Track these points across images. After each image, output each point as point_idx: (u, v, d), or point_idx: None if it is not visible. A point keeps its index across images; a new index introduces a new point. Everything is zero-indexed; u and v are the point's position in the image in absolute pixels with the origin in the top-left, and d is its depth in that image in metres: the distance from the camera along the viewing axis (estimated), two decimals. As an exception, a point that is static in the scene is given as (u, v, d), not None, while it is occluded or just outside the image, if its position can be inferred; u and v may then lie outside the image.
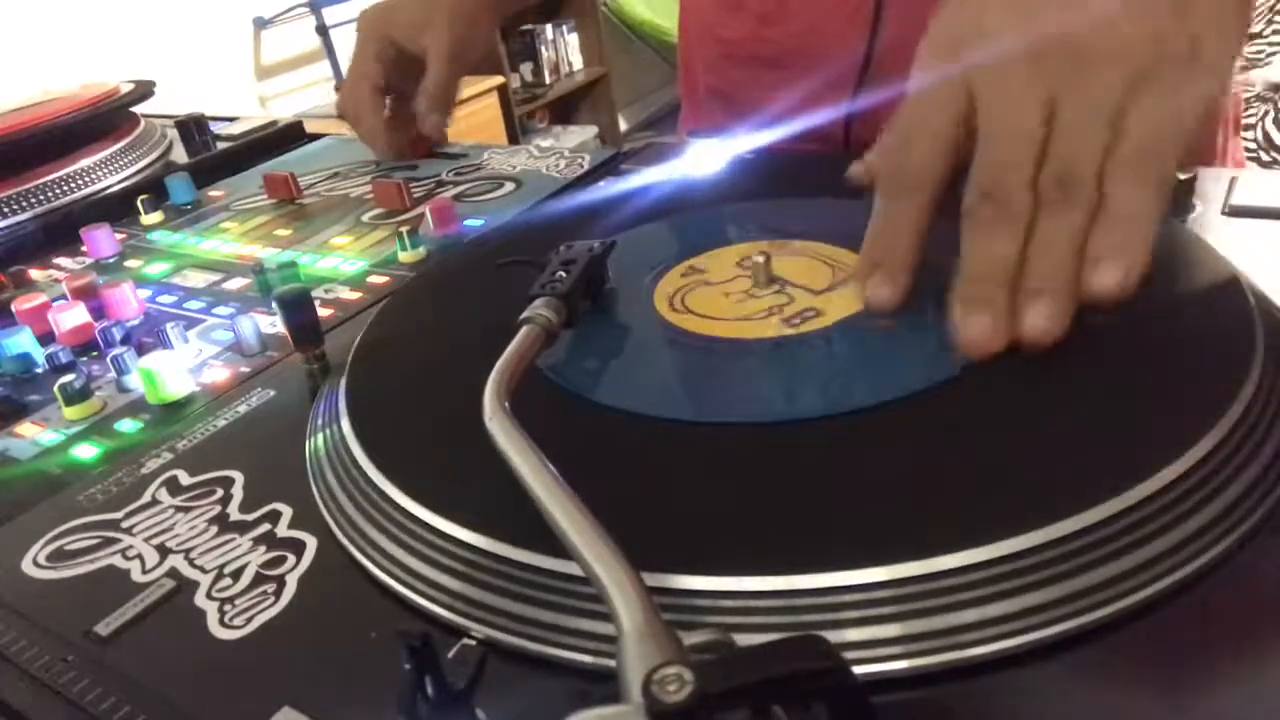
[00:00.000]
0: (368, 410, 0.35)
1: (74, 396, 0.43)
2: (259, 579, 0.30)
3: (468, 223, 0.59)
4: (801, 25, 0.66)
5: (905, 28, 0.63)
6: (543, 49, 3.17)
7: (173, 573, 0.31)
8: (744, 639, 0.22)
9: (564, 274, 0.37)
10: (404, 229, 0.55)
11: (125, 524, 0.34)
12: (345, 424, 0.35)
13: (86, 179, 0.72)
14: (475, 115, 2.60)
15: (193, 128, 0.84)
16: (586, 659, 0.25)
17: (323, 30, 2.54)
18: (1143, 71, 0.31)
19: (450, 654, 0.26)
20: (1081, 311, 0.32)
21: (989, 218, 0.32)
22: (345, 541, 0.31)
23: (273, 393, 0.42)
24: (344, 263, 0.56)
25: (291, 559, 0.31)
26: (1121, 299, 0.31)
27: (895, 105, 0.36)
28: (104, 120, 0.78)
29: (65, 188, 0.70)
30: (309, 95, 2.67)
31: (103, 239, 0.62)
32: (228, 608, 0.29)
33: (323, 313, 0.49)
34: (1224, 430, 0.27)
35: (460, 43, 0.68)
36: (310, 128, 0.87)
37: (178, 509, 0.35)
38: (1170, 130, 0.31)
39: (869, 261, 0.36)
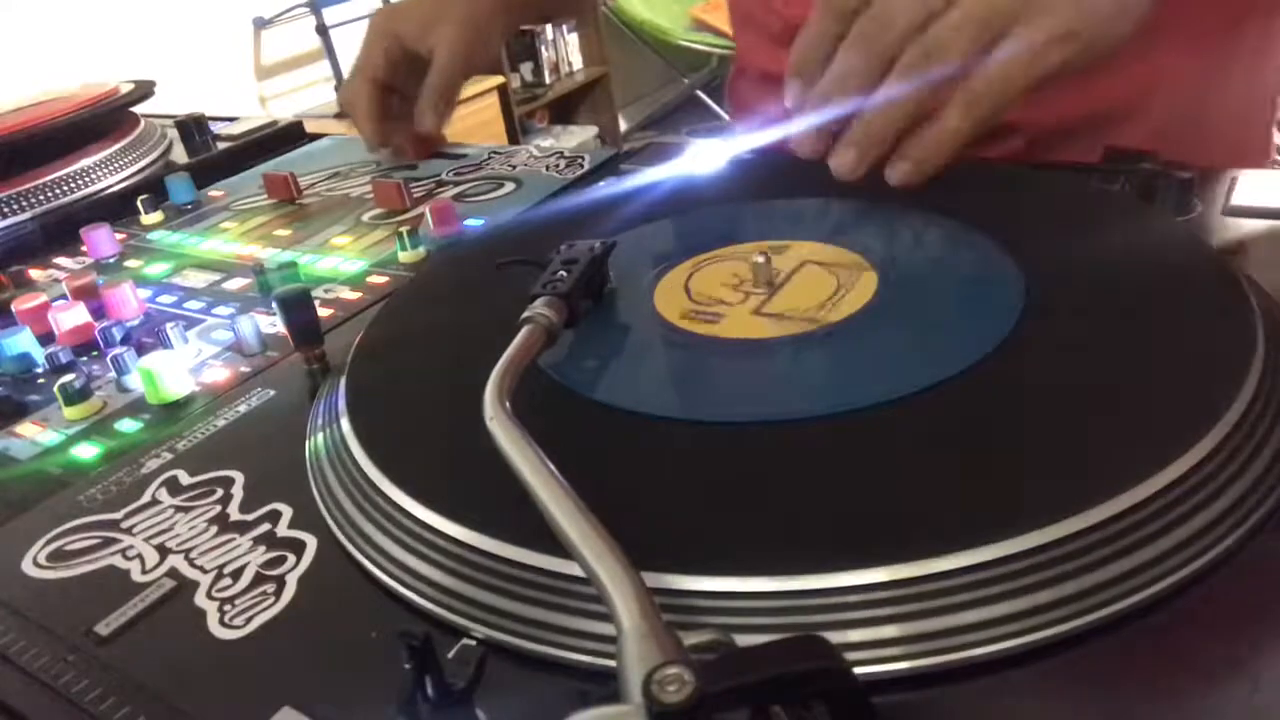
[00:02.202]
0: (368, 410, 0.35)
1: (74, 396, 0.43)
2: (259, 579, 0.30)
3: (468, 223, 0.59)
4: None
5: None
6: (543, 49, 3.17)
7: (173, 573, 0.31)
8: (744, 639, 0.22)
9: (565, 273, 0.37)
10: (404, 229, 0.55)
11: (125, 524, 0.34)
12: (345, 424, 0.35)
13: (86, 179, 0.72)
14: (475, 115, 2.60)
15: (193, 128, 0.84)
16: (586, 659, 0.25)
17: (323, 30, 2.54)
18: (1029, 9, 0.37)
19: (450, 654, 0.26)
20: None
21: (857, 43, 0.40)
22: (345, 541, 0.31)
23: (273, 393, 0.42)
24: (344, 263, 0.56)
25: (291, 559, 0.31)
26: (906, 188, 0.40)
27: None
28: (104, 120, 0.78)
29: (65, 188, 0.70)
30: (309, 95, 2.67)
31: (103, 239, 0.62)
32: (228, 608, 0.29)
33: (323, 313, 0.49)
34: (1224, 430, 0.27)
35: (467, 47, 0.68)
36: (310, 128, 0.87)
37: (178, 509, 0.35)
38: (1024, 73, 0.38)
39: (793, 67, 0.43)
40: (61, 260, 0.64)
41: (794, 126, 0.42)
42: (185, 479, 0.36)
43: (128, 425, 0.42)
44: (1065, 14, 0.37)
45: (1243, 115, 0.65)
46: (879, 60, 0.39)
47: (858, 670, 0.20)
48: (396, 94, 0.71)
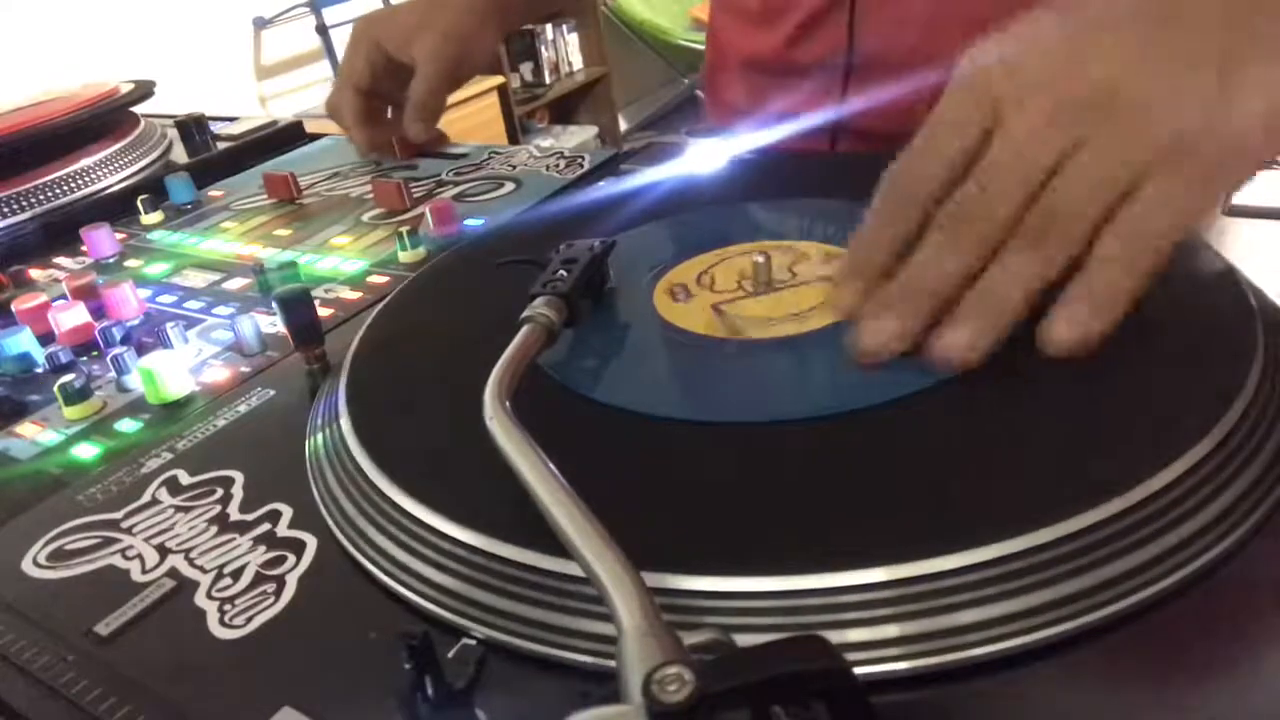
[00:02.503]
0: (368, 410, 0.35)
1: (74, 396, 0.43)
2: (259, 579, 0.30)
3: (468, 223, 0.59)
4: (835, 36, 0.66)
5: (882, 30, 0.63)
6: (543, 49, 3.17)
7: (173, 573, 0.31)
8: (744, 639, 0.22)
9: (565, 273, 0.37)
10: (404, 229, 0.55)
11: (125, 524, 0.34)
12: (345, 424, 0.35)
13: (86, 179, 0.72)
14: (475, 115, 2.60)
15: (193, 128, 0.84)
16: (586, 659, 0.25)
17: (323, 30, 2.54)
18: (1170, 153, 0.30)
19: (450, 654, 0.26)
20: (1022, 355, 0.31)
21: (957, 228, 0.32)
22: (345, 541, 0.31)
23: (273, 393, 0.42)
24: (344, 263, 0.56)
25: (291, 559, 0.31)
26: (1069, 354, 0.30)
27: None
28: (104, 120, 0.78)
29: (65, 188, 0.70)
30: (309, 95, 2.67)
31: (103, 239, 0.62)
32: (228, 607, 0.29)
33: (323, 313, 0.49)
34: (1224, 430, 0.27)
35: (451, 59, 0.67)
36: (310, 128, 0.87)
37: (178, 509, 0.35)
38: (1174, 225, 0.30)
39: (850, 266, 0.35)
40: (61, 260, 0.64)
41: (866, 326, 0.33)
42: (185, 479, 0.36)
43: (128, 425, 0.42)
44: (1207, 158, 0.30)
45: None
46: (983, 240, 0.31)
47: (858, 670, 0.20)
48: (380, 98, 0.71)
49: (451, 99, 0.71)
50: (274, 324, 0.49)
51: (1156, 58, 0.31)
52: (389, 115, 0.72)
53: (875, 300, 0.33)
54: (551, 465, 0.26)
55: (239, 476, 0.36)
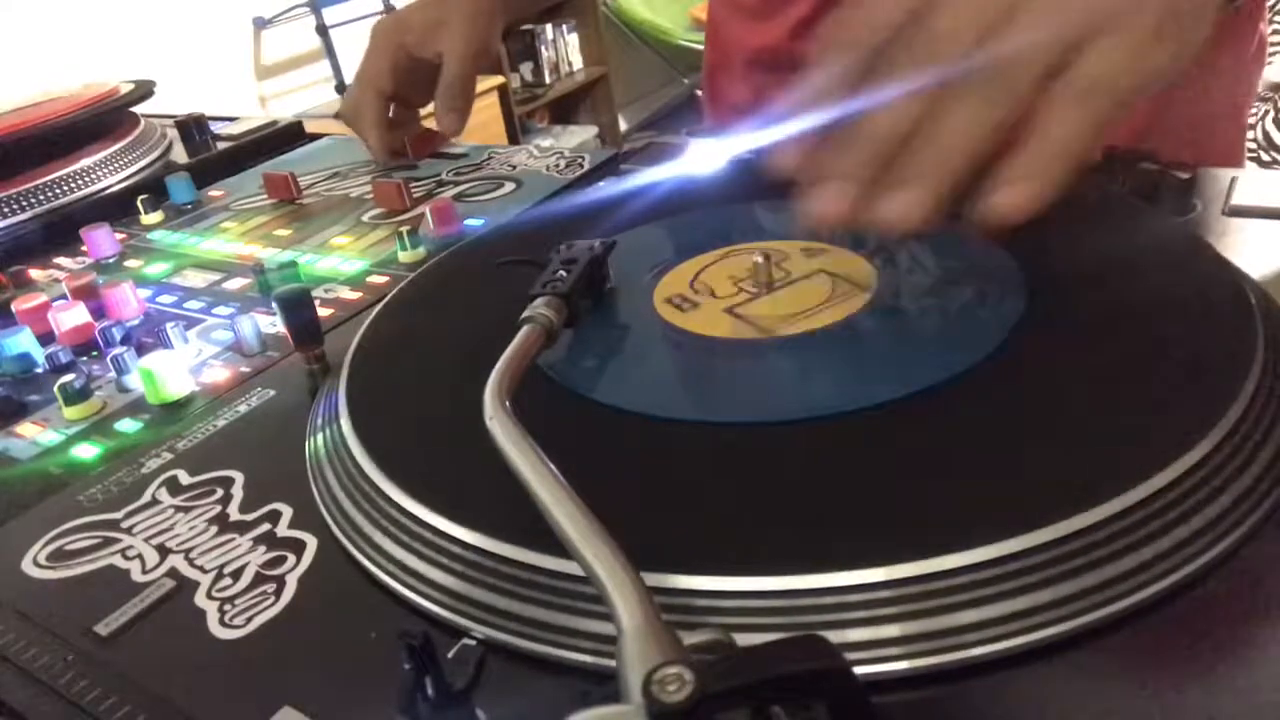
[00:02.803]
0: (368, 410, 0.35)
1: (74, 396, 0.43)
2: (259, 579, 0.30)
3: (468, 223, 0.59)
4: None
5: None
6: (543, 49, 3.17)
7: (173, 573, 0.31)
8: (744, 639, 0.22)
9: (564, 273, 0.37)
10: (404, 229, 0.55)
11: (125, 524, 0.34)
12: (345, 424, 0.35)
13: (86, 179, 0.72)
14: (475, 115, 2.58)
15: (193, 128, 0.84)
16: (586, 659, 0.25)
17: (323, 30, 2.54)
18: (1118, 11, 0.29)
19: (450, 654, 0.26)
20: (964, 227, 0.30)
21: (900, 72, 0.30)
22: (345, 541, 0.31)
23: (273, 393, 0.42)
24: (344, 263, 0.56)
25: (291, 559, 0.31)
26: (1013, 223, 0.29)
27: None
28: (104, 120, 0.78)
29: (65, 188, 0.70)
30: (309, 95, 2.67)
31: (103, 239, 0.62)
32: (228, 608, 0.29)
33: (323, 313, 0.49)
34: (1224, 430, 0.27)
35: (478, 40, 0.68)
36: (310, 128, 0.87)
37: (178, 509, 0.35)
38: (1123, 80, 0.30)
39: (787, 111, 0.33)
40: (61, 260, 0.64)
41: (816, 192, 0.31)
42: (185, 479, 0.36)
43: (128, 425, 0.42)
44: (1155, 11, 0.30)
45: (1216, 119, 0.65)
46: (929, 85, 0.30)
47: (858, 670, 0.20)
48: (399, 101, 0.71)
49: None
50: (274, 324, 0.48)
51: None
52: (399, 119, 0.72)
53: (822, 164, 0.31)
54: (551, 465, 0.26)
55: (239, 476, 0.36)
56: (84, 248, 0.63)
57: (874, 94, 0.31)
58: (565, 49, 3.24)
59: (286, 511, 0.34)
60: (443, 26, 0.68)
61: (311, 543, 0.32)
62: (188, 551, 0.32)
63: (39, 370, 0.48)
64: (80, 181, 0.71)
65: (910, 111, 0.30)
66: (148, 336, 0.49)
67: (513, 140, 2.71)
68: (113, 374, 0.45)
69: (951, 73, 0.30)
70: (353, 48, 0.73)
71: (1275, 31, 1.80)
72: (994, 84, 0.30)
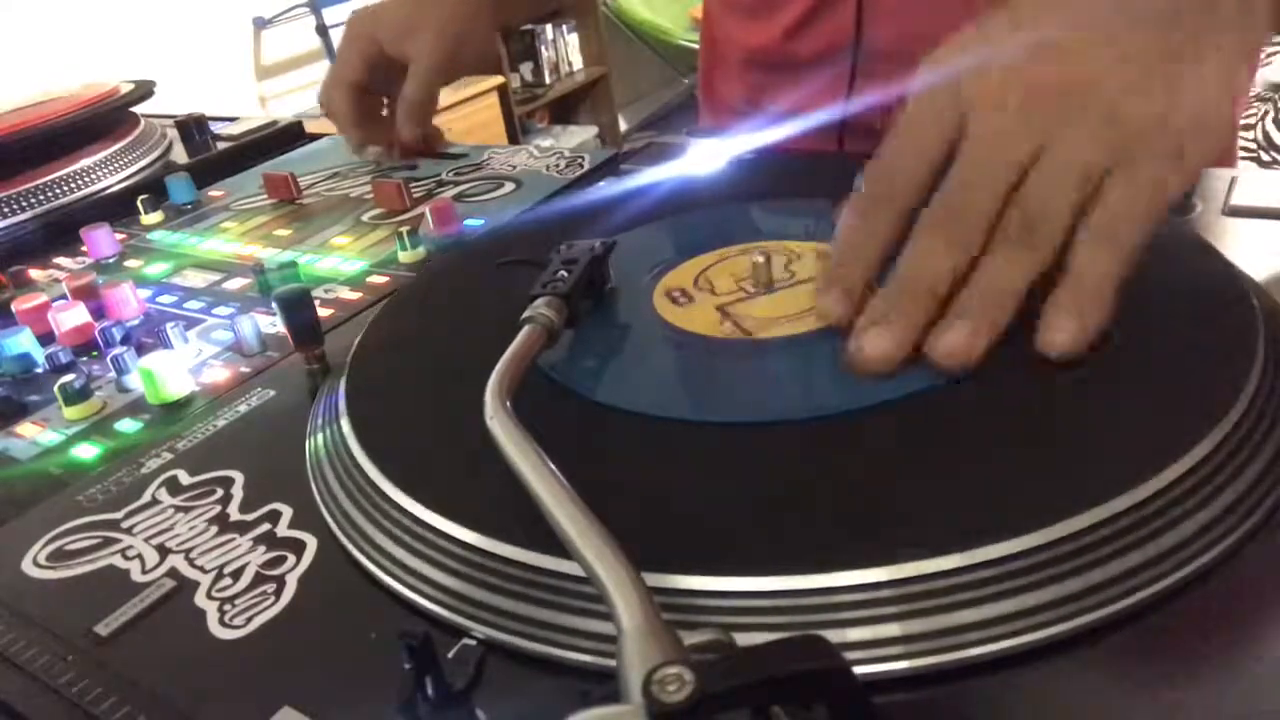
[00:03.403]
0: (368, 410, 0.35)
1: (74, 396, 0.43)
2: (259, 579, 0.30)
3: (468, 223, 0.59)
4: (833, 30, 0.66)
5: (893, 22, 0.63)
6: (543, 49, 3.17)
7: (173, 573, 0.31)
8: (744, 639, 0.22)
9: (565, 273, 0.37)
10: (404, 229, 0.55)
11: (125, 524, 0.34)
12: (345, 424, 0.35)
13: (86, 179, 0.72)
14: (475, 115, 2.60)
15: (193, 128, 0.84)
16: (586, 659, 0.25)
17: (323, 30, 2.54)
18: (1135, 143, 0.31)
19: (450, 654, 0.26)
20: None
21: (938, 236, 0.32)
22: (345, 541, 0.31)
23: (273, 393, 0.42)
24: (344, 263, 0.56)
25: (291, 559, 0.31)
26: (1070, 357, 0.30)
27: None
28: (104, 120, 0.78)
29: (65, 188, 0.70)
30: (309, 95, 2.67)
31: (103, 239, 0.62)
32: (228, 608, 0.29)
33: (323, 313, 0.49)
34: (1225, 430, 0.27)
35: (446, 55, 0.66)
36: (310, 128, 0.87)
37: (178, 509, 0.35)
38: (1148, 205, 0.31)
39: (832, 276, 0.35)
40: (61, 260, 0.64)
41: (864, 336, 0.32)
42: (185, 479, 0.36)
43: (128, 425, 0.42)
44: (1189, 114, 0.31)
45: None
46: (966, 240, 0.32)
47: (858, 670, 0.20)
48: (375, 93, 0.70)
49: (451, 99, 0.71)
50: (274, 324, 0.48)
51: (1114, 51, 0.32)
52: (384, 113, 0.72)
53: (872, 309, 0.33)
54: (551, 465, 0.26)
55: (239, 476, 0.36)
56: (84, 248, 0.63)
57: (913, 249, 0.33)
58: (565, 49, 3.24)
59: (286, 511, 0.34)
60: (413, 33, 0.66)
61: (311, 543, 0.32)
62: (188, 551, 0.32)
63: (39, 370, 0.48)
64: (80, 181, 0.71)
65: (955, 261, 0.32)
66: (148, 336, 0.49)
67: (513, 140, 2.71)
68: (113, 374, 0.45)
69: (987, 234, 0.32)
70: (340, 39, 0.73)
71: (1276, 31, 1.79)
72: (1030, 236, 0.31)
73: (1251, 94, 1.74)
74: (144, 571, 0.32)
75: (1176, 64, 0.32)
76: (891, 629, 0.24)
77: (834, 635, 0.23)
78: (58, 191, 0.70)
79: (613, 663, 0.21)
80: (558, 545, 0.25)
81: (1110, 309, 0.30)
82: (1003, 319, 0.31)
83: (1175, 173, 0.31)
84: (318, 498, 0.34)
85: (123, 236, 0.65)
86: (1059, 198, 0.31)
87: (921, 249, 0.32)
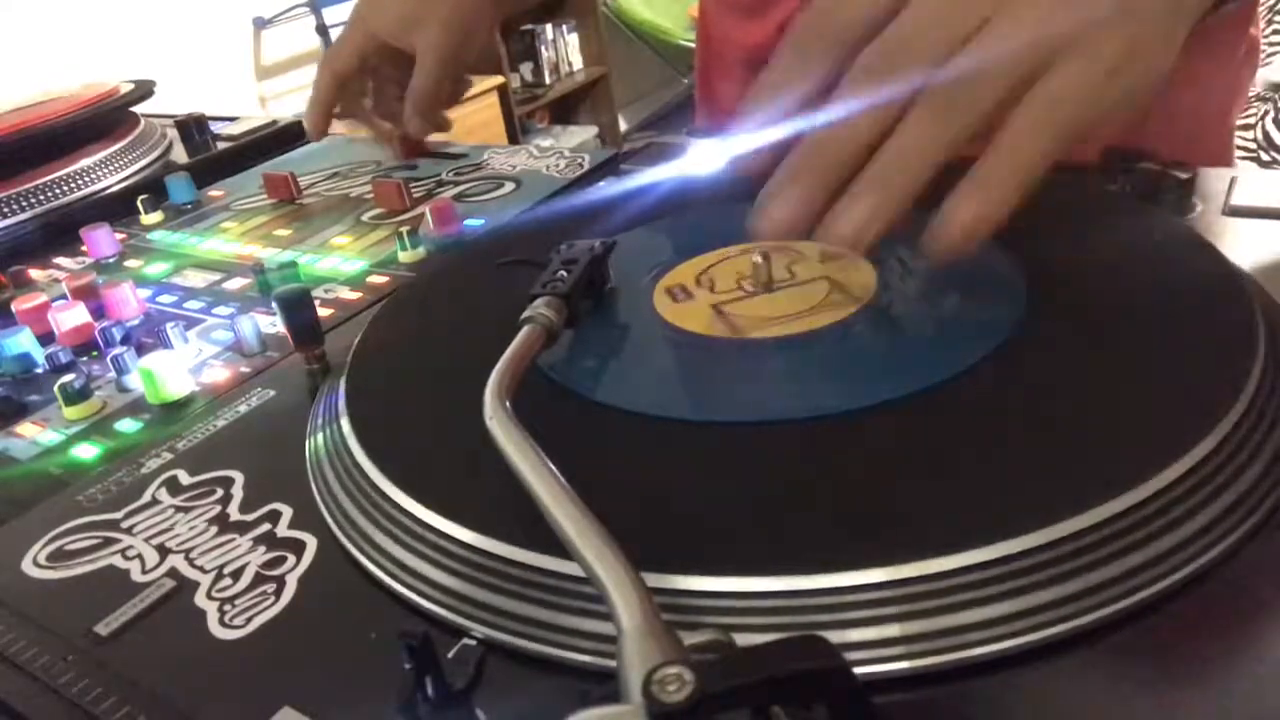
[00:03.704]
0: (368, 410, 0.35)
1: (74, 396, 0.43)
2: (259, 579, 0.30)
3: (468, 223, 0.59)
4: None
5: None
6: (543, 49, 3.17)
7: (173, 573, 0.31)
8: (744, 639, 0.22)
9: (565, 273, 0.37)
10: (404, 229, 0.55)
11: (125, 524, 0.34)
12: (345, 424, 0.35)
13: (86, 179, 0.72)
14: (475, 115, 2.60)
15: (193, 128, 0.84)
16: (586, 659, 0.25)
17: (323, 30, 2.54)
18: (1084, 34, 0.29)
19: (450, 654, 0.26)
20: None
21: (863, 87, 0.29)
22: (345, 541, 0.31)
23: (273, 393, 0.42)
24: (344, 263, 0.56)
25: (291, 559, 0.31)
26: (961, 248, 0.29)
27: None
28: (104, 120, 0.78)
29: (65, 188, 0.70)
30: (309, 95, 2.67)
31: (103, 239, 0.62)
32: (228, 608, 0.29)
33: (323, 313, 0.49)
34: (1225, 430, 0.27)
35: (453, 47, 0.66)
36: (310, 128, 0.87)
37: (178, 509, 0.35)
38: (1087, 102, 0.29)
39: (749, 107, 0.32)
40: (61, 260, 0.64)
41: (768, 197, 0.30)
42: (185, 479, 0.36)
43: (128, 425, 0.42)
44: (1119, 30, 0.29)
45: (1204, 124, 0.65)
46: (890, 98, 0.29)
47: (858, 670, 0.20)
48: (381, 82, 0.70)
49: (447, 99, 0.71)
50: (274, 324, 0.48)
51: None
52: (366, 106, 0.71)
53: (782, 168, 0.30)
54: (551, 465, 0.26)
55: (239, 476, 0.36)
56: (84, 248, 0.63)
57: (837, 97, 0.30)
58: (565, 49, 3.24)
59: (286, 511, 0.34)
60: (419, 25, 0.65)
61: (311, 543, 0.32)
62: (188, 551, 0.32)
63: (39, 370, 0.48)
64: (80, 181, 0.71)
65: (872, 118, 0.29)
66: (148, 336, 0.49)
67: (513, 140, 2.71)
68: (113, 374, 0.45)
69: (917, 83, 0.29)
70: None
71: (1275, 32, 1.80)
72: (958, 96, 0.29)
73: (1251, 94, 1.74)
74: (144, 571, 0.32)
75: None
76: (891, 629, 0.24)
77: (834, 635, 0.23)
78: (58, 191, 0.70)
79: (613, 663, 0.21)
80: (558, 545, 0.25)
81: (1025, 193, 0.28)
82: (910, 193, 0.29)
83: (1109, 83, 0.29)
84: (318, 498, 0.34)
85: (123, 236, 0.65)
86: (995, 64, 0.29)
87: (840, 106, 0.30)
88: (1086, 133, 0.29)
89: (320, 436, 0.36)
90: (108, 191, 0.72)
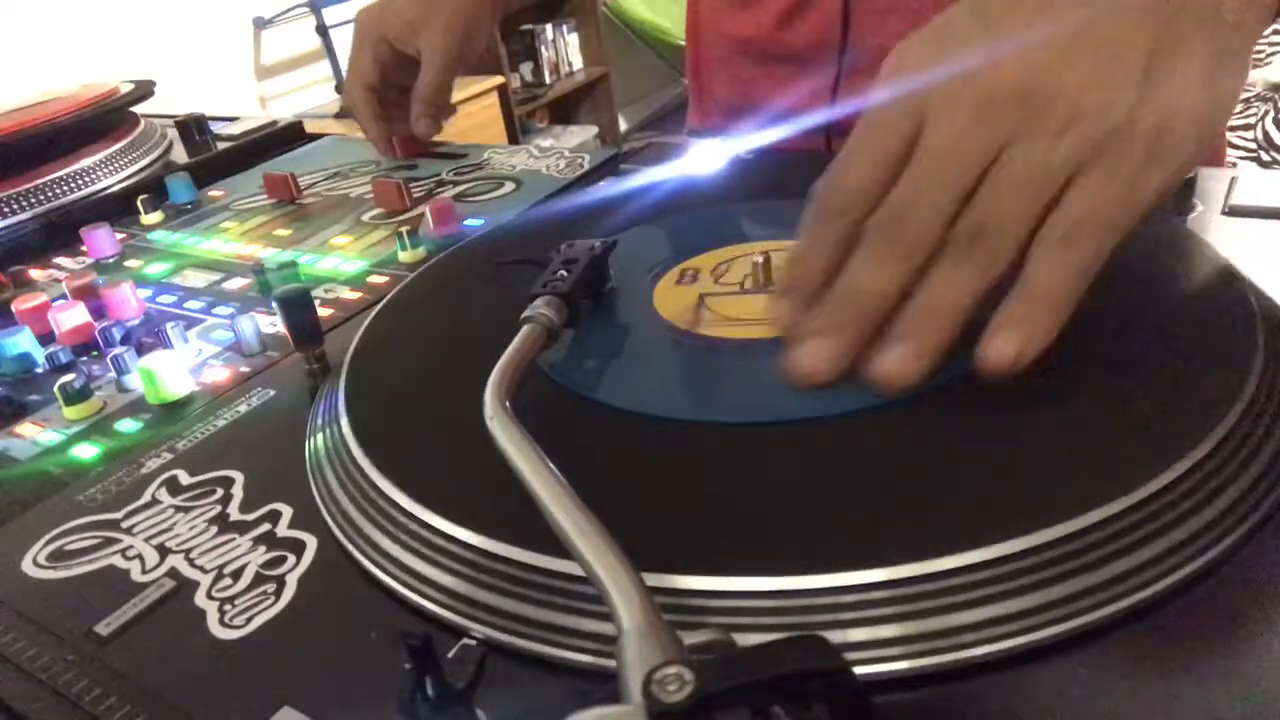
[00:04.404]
0: (368, 410, 0.35)
1: (74, 396, 0.43)
2: (259, 579, 0.30)
3: (468, 223, 0.59)
4: (823, 18, 0.66)
5: (878, 22, 0.63)
6: (543, 49, 3.17)
7: (173, 573, 0.31)
8: (744, 639, 0.22)
9: (565, 273, 0.37)
10: (404, 229, 0.55)
11: (125, 524, 0.34)
12: (345, 424, 0.35)
13: (86, 179, 0.72)
14: (475, 115, 2.60)
15: (193, 128, 0.84)
16: (586, 659, 0.25)
17: (323, 30, 2.54)
18: (1100, 145, 0.28)
19: (450, 654, 0.26)
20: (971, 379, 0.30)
21: (885, 241, 0.30)
22: (345, 541, 0.31)
23: (273, 393, 0.42)
24: (344, 263, 0.56)
25: (291, 559, 0.31)
26: (1010, 374, 0.29)
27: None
28: (104, 120, 0.78)
29: (65, 188, 0.70)
30: (309, 95, 2.67)
31: (103, 239, 0.62)
32: (228, 608, 0.29)
33: (323, 313, 0.49)
34: (1225, 430, 0.27)
35: (458, 44, 0.68)
36: (310, 128, 0.87)
37: (178, 509, 0.35)
38: (1111, 218, 0.28)
39: (786, 282, 0.33)
40: (61, 260, 0.64)
41: (801, 348, 0.31)
42: (185, 479, 0.36)
43: (128, 425, 0.42)
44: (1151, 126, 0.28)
45: None
46: (910, 250, 0.30)
47: (858, 670, 0.20)
48: (392, 89, 0.71)
49: (451, 98, 0.71)
50: (274, 324, 0.49)
51: (1080, 47, 0.29)
52: (396, 111, 0.72)
53: (811, 319, 0.31)
54: (551, 465, 0.26)
55: (239, 476, 0.36)
56: (84, 248, 0.63)
57: (860, 253, 0.31)
58: (565, 49, 3.24)
59: (286, 511, 0.34)
60: (423, 27, 0.67)
61: (311, 543, 0.32)
62: (188, 551, 0.32)
63: (39, 370, 0.48)
64: (80, 181, 0.71)
65: (898, 274, 0.30)
66: (148, 336, 0.49)
67: (513, 140, 2.71)
68: (113, 374, 0.45)
69: (932, 247, 0.30)
70: (351, 40, 0.74)
71: (1275, 32, 1.80)
72: (978, 248, 0.29)
73: (1252, 94, 1.74)
74: (144, 571, 0.32)
75: (1150, 58, 0.29)
76: (891, 629, 0.24)
77: (834, 635, 0.23)
78: (58, 191, 0.70)
79: (612, 663, 0.21)
80: (558, 545, 0.25)
81: (1061, 321, 0.28)
82: (944, 340, 0.30)
83: (1151, 170, 0.28)
84: (317, 498, 0.34)
85: (123, 236, 0.65)
86: (1011, 205, 0.29)
87: (862, 259, 0.31)
88: (1115, 242, 0.29)
89: (320, 437, 0.36)
90: (108, 191, 0.72)
